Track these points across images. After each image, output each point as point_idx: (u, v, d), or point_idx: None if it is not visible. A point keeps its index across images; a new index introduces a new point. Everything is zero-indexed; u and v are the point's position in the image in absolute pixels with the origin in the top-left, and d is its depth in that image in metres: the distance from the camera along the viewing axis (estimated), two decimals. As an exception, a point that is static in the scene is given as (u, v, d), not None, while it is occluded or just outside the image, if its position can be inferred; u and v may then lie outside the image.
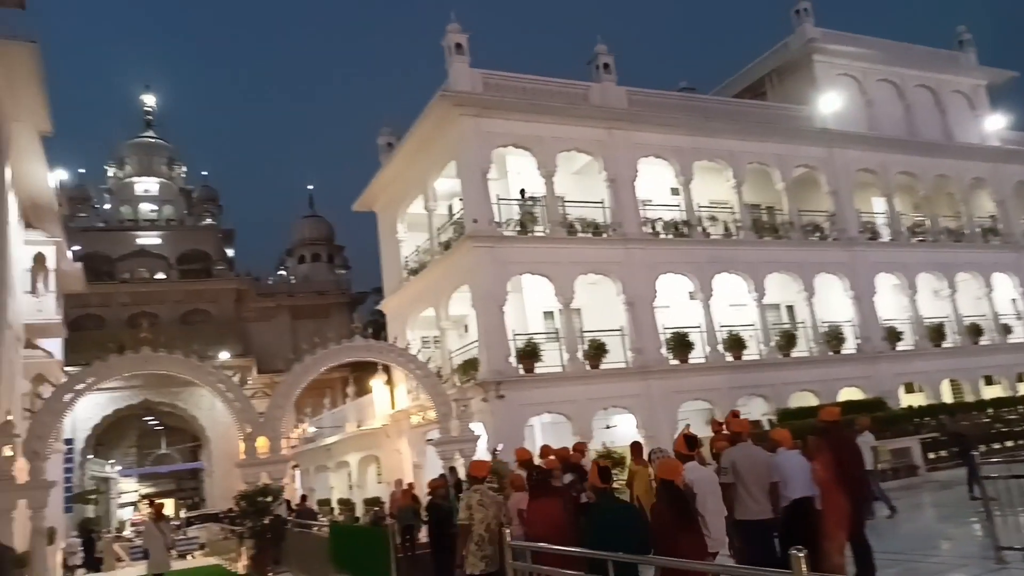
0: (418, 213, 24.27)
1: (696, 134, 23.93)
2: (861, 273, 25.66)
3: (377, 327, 31.03)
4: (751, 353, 22.99)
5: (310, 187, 61.22)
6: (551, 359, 20.24)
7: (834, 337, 24.34)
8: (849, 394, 23.20)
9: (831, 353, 24.22)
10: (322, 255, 55.04)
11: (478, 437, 18.58)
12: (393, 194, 25.96)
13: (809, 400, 22.73)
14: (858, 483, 8.03)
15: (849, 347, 24.75)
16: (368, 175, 26.99)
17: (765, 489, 7.49)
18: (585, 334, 21.03)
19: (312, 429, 33.15)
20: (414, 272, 24.56)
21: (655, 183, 23.74)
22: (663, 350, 21.61)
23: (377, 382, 26.08)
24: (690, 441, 7.22)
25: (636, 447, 10.15)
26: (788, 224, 25.29)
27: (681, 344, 21.61)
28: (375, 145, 27.56)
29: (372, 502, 23.25)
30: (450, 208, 23.90)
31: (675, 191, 24.24)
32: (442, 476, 14.29)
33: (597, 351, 20.54)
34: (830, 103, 26.76)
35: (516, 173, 22.78)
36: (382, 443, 25.47)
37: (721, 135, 24.32)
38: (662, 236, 22.89)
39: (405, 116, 24.69)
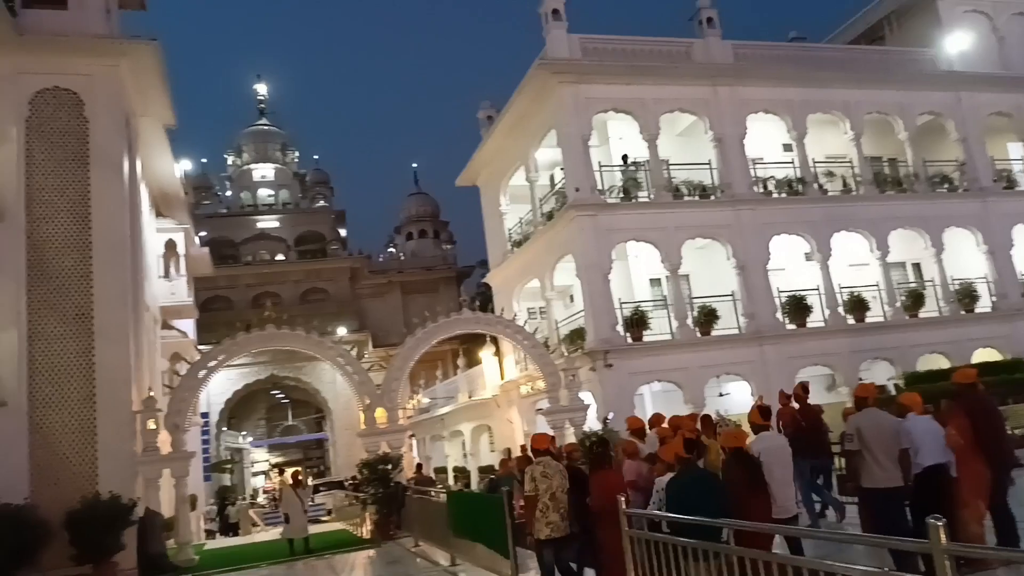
0: (520, 185, 24.32)
1: (808, 86, 22.70)
2: (996, 225, 23.73)
3: (484, 300, 31.51)
4: (874, 315, 21.81)
5: (414, 165, 62.55)
6: (659, 327, 19.92)
7: (967, 295, 22.72)
8: (984, 355, 21.64)
9: (963, 312, 22.64)
10: (428, 231, 56.20)
11: (587, 406, 18.60)
12: (495, 167, 26.10)
13: (939, 363, 21.36)
14: (999, 448, 7.50)
15: (983, 305, 23.05)
16: (470, 150, 27.26)
17: (894, 456, 7.13)
18: (694, 300, 20.56)
19: (426, 400, 34.19)
20: (518, 244, 24.68)
21: (765, 140, 22.75)
22: (778, 314, 20.83)
23: (486, 353, 26.52)
24: (763, 412, 7.42)
25: (706, 419, 10.39)
26: (912, 176, 23.68)
27: (798, 307, 20.76)
28: (476, 120, 27.74)
29: (486, 470, 23.80)
30: (552, 178, 23.80)
31: (787, 147, 23.15)
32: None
33: (707, 317, 20.05)
34: (957, 43, 24.72)
35: (618, 139, 22.39)
36: (493, 413, 25.95)
37: (836, 85, 22.97)
38: (774, 195, 21.96)
39: (504, 89, 24.66)
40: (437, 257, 53.78)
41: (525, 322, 20.52)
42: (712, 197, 21.26)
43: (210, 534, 24.54)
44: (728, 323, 20.41)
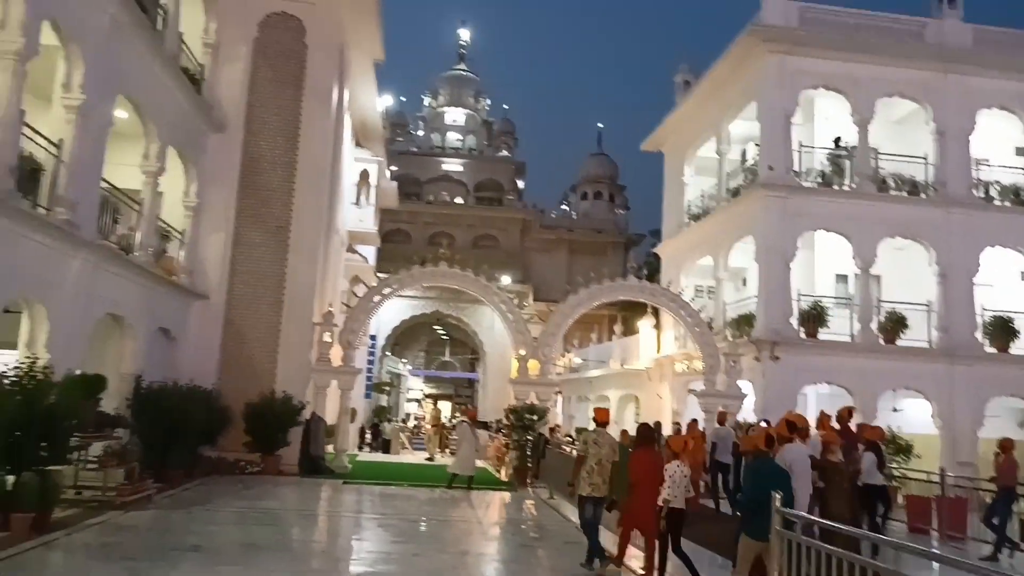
0: (708, 157, 23.37)
1: (1060, 84, 19.88)
2: None
3: (650, 270, 30.88)
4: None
5: (600, 125, 61.87)
6: (838, 326, 18.58)
7: None
8: None
9: None
10: (604, 193, 55.73)
11: (744, 396, 17.86)
12: (684, 135, 25.23)
13: None
14: None
15: None
16: (658, 116, 26.50)
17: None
18: (882, 304, 18.97)
19: (577, 360, 34.36)
20: (696, 218, 23.84)
21: (995, 139, 20.31)
22: (978, 333, 18.78)
23: (645, 324, 26.09)
24: (790, 425, 8.12)
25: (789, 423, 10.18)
26: None
27: (1003, 329, 18.60)
28: (670, 84, 26.90)
29: (626, 440, 23.57)
30: (743, 153, 22.66)
31: (1021, 151, 20.52)
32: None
33: (895, 324, 18.46)
34: None
35: (824, 119, 20.84)
36: (643, 384, 25.61)
37: (1096, 86, 19.94)
38: (996, 202, 19.63)
39: (704, 55, 23.61)
40: (608, 221, 53.31)
41: (691, 299, 19.90)
42: (923, 195, 19.35)
43: (365, 445, 26.32)
44: (918, 334, 18.67)
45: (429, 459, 22.79)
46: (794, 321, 18.27)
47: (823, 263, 20.32)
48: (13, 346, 10.92)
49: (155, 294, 15.01)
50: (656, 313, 24.57)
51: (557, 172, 79.09)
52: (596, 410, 9.53)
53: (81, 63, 11.54)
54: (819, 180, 19.21)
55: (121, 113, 13.97)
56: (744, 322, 19.78)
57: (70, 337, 11.52)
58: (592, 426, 9.37)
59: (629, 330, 29.87)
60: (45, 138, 10.92)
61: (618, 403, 28.38)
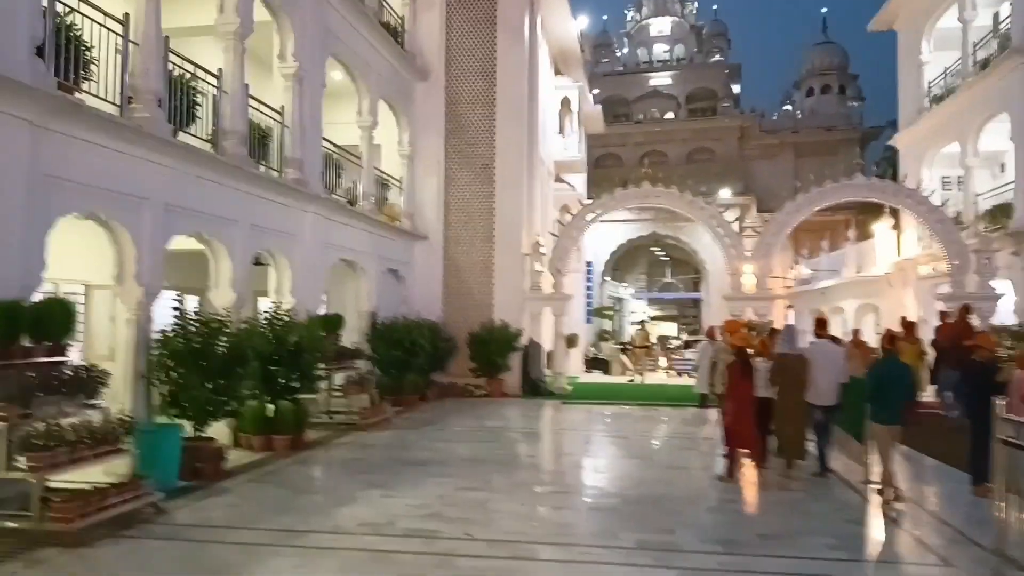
0: (950, 28, 20.21)
1: None
2: None
3: (891, 165, 27.75)
4: None
5: (824, 9, 55.71)
6: None
7: None
8: None
9: None
10: (833, 86, 50.52)
11: (1000, 296, 15.72)
12: (919, 5, 21.98)
13: None
14: None
15: None
16: (890, -12, 23.24)
17: None
18: None
19: (807, 271, 32.17)
20: (938, 100, 20.88)
21: None
22: None
23: (882, 226, 23.66)
24: (819, 323, 9.70)
25: (909, 325, 13.96)
26: None
27: None
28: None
29: (866, 352, 21.84)
30: (995, 17, 19.28)
31: None
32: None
33: None
34: None
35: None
36: (884, 292, 23.41)
37: None
38: None
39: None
40: (840, 115, 48.41)
41: (931, 193, 17.68)
42: None
43: (588, 367, 26.99)
44: None
45: (631, 380, 22.47)
46: (1064, 207, 15.57)
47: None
48: (264, 294, 12.59)
49: (381, 239, 16.41)
50: (895, 213, 22.18)
51: (778, 71, 73.16)
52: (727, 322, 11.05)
53: (292, 33, 12.66)
54: (1094, 35, 15.89)
55: (334, 75, 15.19)
56: (1001, 213, 17.21)
57: (310, 282, 13.02)
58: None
59: (865, 234, 27.28)
60: (268, 107, 12.22)
61: (855, 314, 26.28)
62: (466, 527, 6.59)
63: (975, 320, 14.21)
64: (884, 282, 23.18)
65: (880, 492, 7.80)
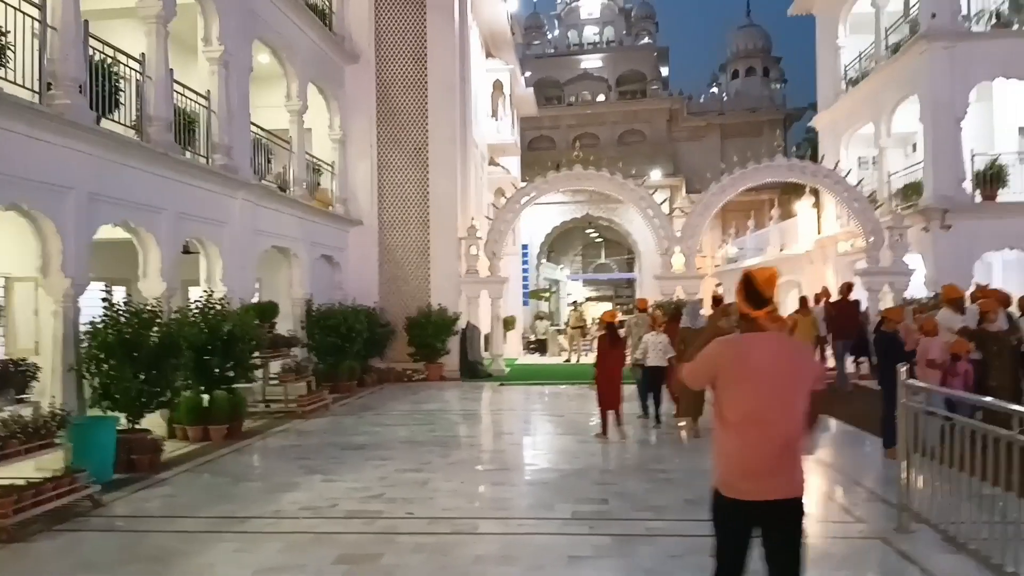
0: (864, 13, 21.08)
1: None
2: None
3: (811, 146, 28.83)
4: None
5: (747, -6, 57.09)
6: (1021, 186, 16.63)
7: None
8: None
9: None
10: (757, 68, 51.96)
11: (911, 271, 16.66)
12: (836, -9, 22.85)
13: None
14: None
15: None
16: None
17: None
18: (1077, 154, 16.69)
19: (734, 250, 33.25)
20: (853, 83, 21.82)
21: None
22: None
23: (803, 205, 24.66)
24: (716, 301, 12.21)
25: (803, 300, 15.30)
26: None
27: None
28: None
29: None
30: (906, 2, 20.21)
31: None
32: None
33: (1094, 176, 16.23)
34: None
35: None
36: (805, 268, 24.44)
37: None
38: None
39: None
40: (763, 98, 49.87)
41: (848, 172, 18.52)
42: None
43: (528, 348, 27.37)
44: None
45: (567, 360, 23.01)
46: (968, 184, 16.55)
47: (1003, 116, 18.05)
48: (195, 283, 12.38)
49: (314, 224, 16.26)
50: (816, 193, 23.12)
51: (704, 53, 74.62)
52: (638, 300, 12.79)
53: (216, 15, 12.39)
54: (994, 22, 16.86)
55: (261, 58, 14.91)
56: (912, 191, 18.18)
57: (241, 270, 12.86)
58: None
59: (788, 213, 28.36)
60: (193, 91, 11.96)
61: (781, 289, 27.35)
62: (407, 507, 6.74)
63: (858, 297, 15.80)
64: (806, 259, 24.19)
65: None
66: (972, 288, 11.65)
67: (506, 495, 7.44)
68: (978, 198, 16.56)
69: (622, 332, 11.13)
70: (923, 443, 5.71)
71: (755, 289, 3.44)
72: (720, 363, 3.27)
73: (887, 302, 16.33)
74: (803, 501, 3.22)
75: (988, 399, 5.32)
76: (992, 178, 16.48)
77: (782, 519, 3.18)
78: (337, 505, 6.80)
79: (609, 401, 10.20)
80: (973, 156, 16.77)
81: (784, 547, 3.19)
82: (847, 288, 15.02)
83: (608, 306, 43.69)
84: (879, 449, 8.72)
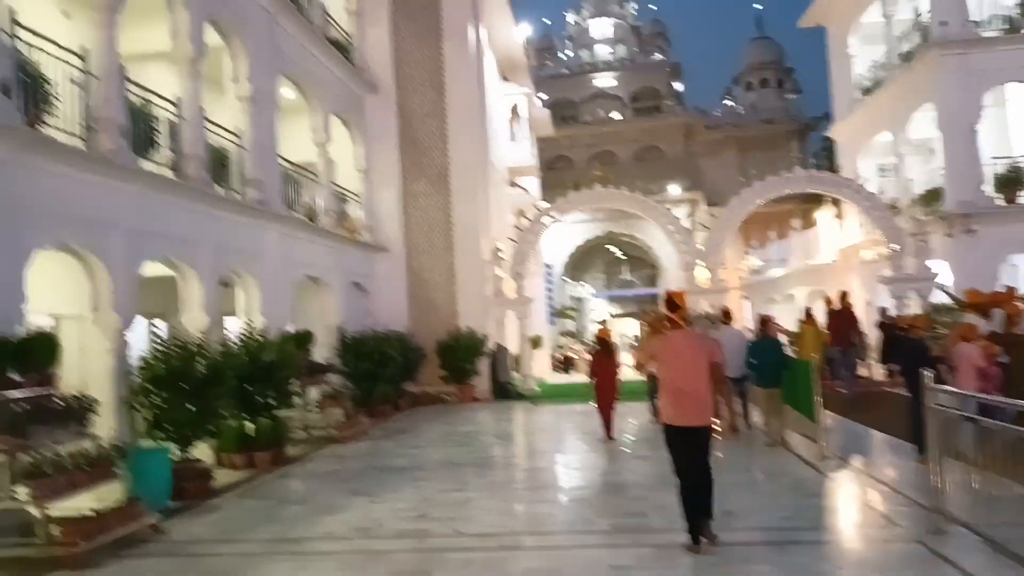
0: (874, 23, 21.28)
1: None
2: None
3: (828, 156, 28.88)
4: None
5: (757, 6, 57.46)
6: (1043, 187, 16.63)
7: None
8: None
9: None
10: (771, 80, 52.19)
11: (935, 276, 16.67)
12: (845, 2, 23.05)
13: None
14: None
15: None
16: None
17: None
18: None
19: (758, 262, 33.23)
20: (867, 92, 21.94)
21: None
22: None
23: (824, 215, 24.70)
24: (726, 314, 12.70)
25: (808, 311, 15.35)
26: None
27: None
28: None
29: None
30: (916, 11, 20.36)
31: None
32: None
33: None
34: None
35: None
36: (830, 278, 24.41)
37: None
38: None
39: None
40: (779, 109, 50.03)
41: (867, 180, 18.61)
42: None
43: (558, 366, 27.48)
44: None
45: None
46: (988, 188, 16.60)
47: (1018, 120, 18.10)
48: (231, 314, 12.74)
49: (343, 253, 16.64)
50: (836, 202, 23.17)
51: (717, 67, 74.95)
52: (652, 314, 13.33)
53: (244, 56, 12.87)
54: (1005, 27, 16.97)
55: (287, 93, 15.39)
56: (932, 197, 18.23)
57: (277, 300, 13.22)
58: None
59: (809, 224, 28.36)
60: (225, 129, 12.40)
61: (806, 300, 27.29)
62: (452, 525, 6.95)
63: (861, 307, 17.27)
64: (830, 269, 24.18)
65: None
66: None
67: (547, 511, 7.63)
68: (1000, 202, 16.58)
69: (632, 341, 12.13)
70: (955, 447, 5.83)
71: (672, 301, 6.02)
72: (657, 349, 6.14)
73: (916, 308, 16.35)
74: (710, 427, 5.79)
75: None
76: (1012, 181, 16.51)
77: (699, 436, 5.79)
78: (384, 525, 7.03)
79: (606, 411, 11.53)
80: (993, 160, 16.82)
81: (701, 453, 5.80)
82: (844, 297, 15.89)
83: (633, 323, 43.69)
84: (912, 455, 8.79)
